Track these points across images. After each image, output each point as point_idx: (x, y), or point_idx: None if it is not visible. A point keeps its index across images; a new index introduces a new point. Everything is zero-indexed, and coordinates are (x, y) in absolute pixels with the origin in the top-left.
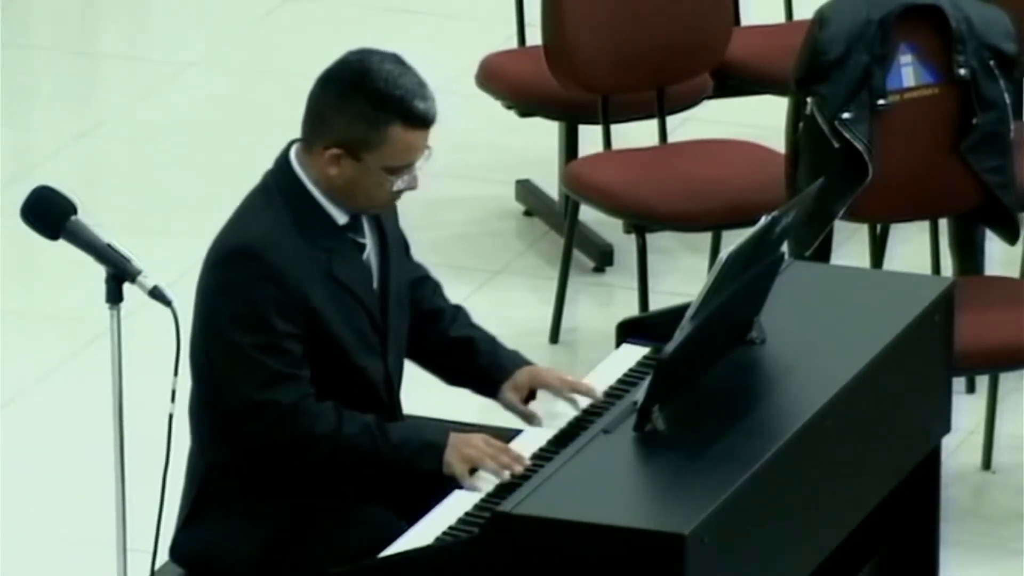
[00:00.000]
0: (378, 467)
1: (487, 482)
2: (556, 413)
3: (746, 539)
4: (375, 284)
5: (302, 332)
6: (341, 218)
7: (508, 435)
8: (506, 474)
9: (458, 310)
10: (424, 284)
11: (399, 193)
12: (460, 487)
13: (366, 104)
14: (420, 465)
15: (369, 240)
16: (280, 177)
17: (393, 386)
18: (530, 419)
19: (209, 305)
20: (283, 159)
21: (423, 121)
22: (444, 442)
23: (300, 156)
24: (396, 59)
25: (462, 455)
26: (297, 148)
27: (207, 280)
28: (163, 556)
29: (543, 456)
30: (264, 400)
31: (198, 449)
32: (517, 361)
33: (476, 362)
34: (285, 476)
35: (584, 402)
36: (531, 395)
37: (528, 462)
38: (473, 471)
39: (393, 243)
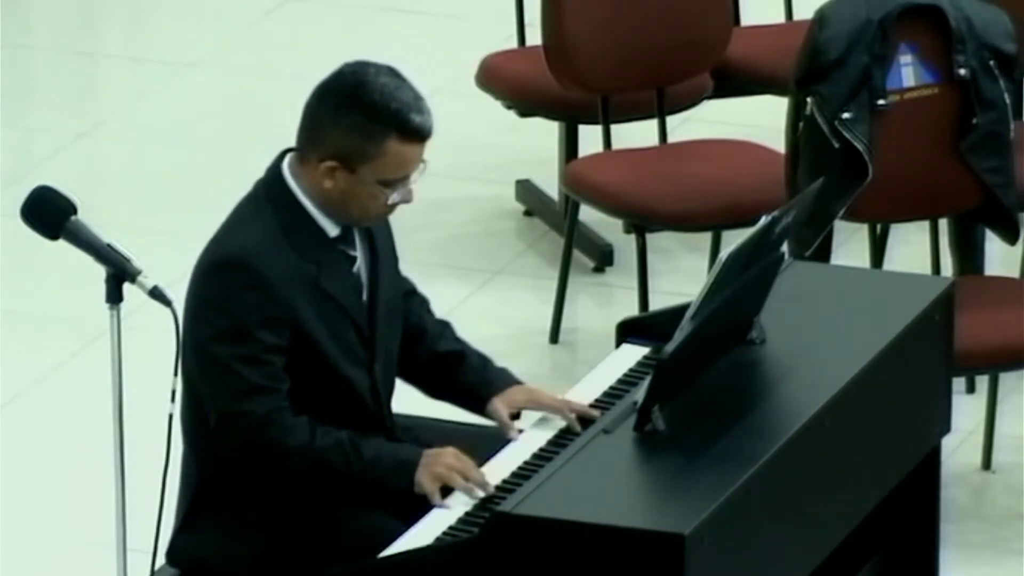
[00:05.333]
0: (350, 483)
1: (458, 501)
2: (550, 416)
3: (746, 539)
4: (364, 296)
5: (286, 344)
6: (332, 230)
7: (491, 436)
8: (478, 492)
9: (445, 325)
10: (412, 298)
11: (393, 206)
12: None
13: (362, 117)
14: (392, 483)
15: (360, 252)
16: (271, 187)
17: (380, 395)
18: (509, 432)
19: (195, 316)
20: (275, 169)
21: (419, 134)
22: (416, 461)
23: (293, 166)
24: (392, 72)
25: (432, 474)
26: (291, 158)
27: (194, 291)
28: (163, 556)
29: (543, 456)
30: (239, 411)
31: (191, 456)
32: (507, 378)
33: (466, 376)
34: (281, 481)
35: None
36: (515, 415)
37: (492, 490)
38: (444, 489)
39: (384, 254)
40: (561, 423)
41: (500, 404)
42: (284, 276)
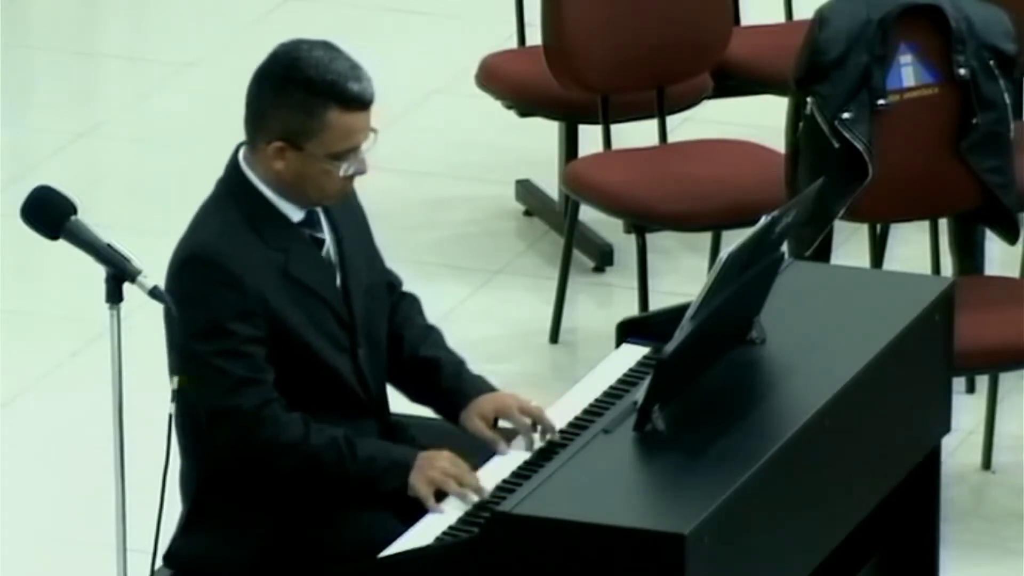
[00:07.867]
0: (343, 483)
1: (452, 506)
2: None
3: (746, 539)
4: (338, 280)
5: (264, 335)
6: (296, 215)
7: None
8: (472, 498)
9: (432, 330)
10: (402, 298)
11: (349, 180)
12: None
13: (300, 92)
14: (385, 484)
15: (328, 235)
16: (231, 181)
17: (368, 382)
18: (495, 445)
19: (170, 317)
20: (232, 163)
21: (359, 102)
22: (411, 463)
23: (248, 157)
24: (326, 45)
25: (427, 478)
26: (244, 150)
27: (168, 292)
28: (162, 558)
29: (543, 456)
30: (228, 407)
31: (188, 460)
32: (480, 387)
33: (439, 384)
34: (279, 482)
35: (539, 442)
36: (495, 421)
37: (487, 495)
38: (438, 493)
39: (352, 235)
40: (561, 424)
41: (475, 419)
42: (252, 267)
